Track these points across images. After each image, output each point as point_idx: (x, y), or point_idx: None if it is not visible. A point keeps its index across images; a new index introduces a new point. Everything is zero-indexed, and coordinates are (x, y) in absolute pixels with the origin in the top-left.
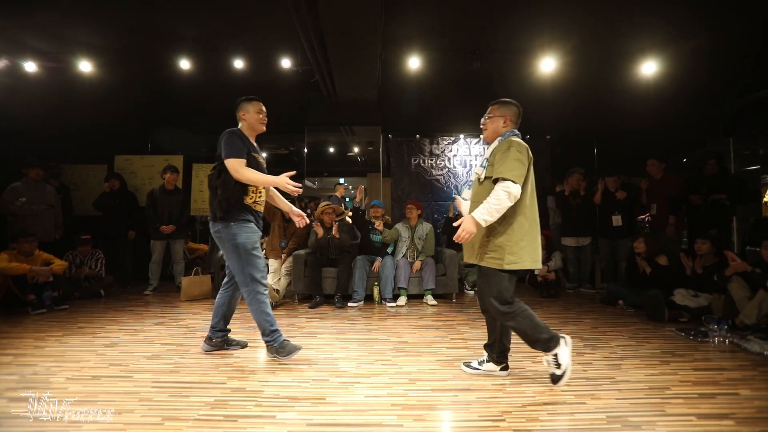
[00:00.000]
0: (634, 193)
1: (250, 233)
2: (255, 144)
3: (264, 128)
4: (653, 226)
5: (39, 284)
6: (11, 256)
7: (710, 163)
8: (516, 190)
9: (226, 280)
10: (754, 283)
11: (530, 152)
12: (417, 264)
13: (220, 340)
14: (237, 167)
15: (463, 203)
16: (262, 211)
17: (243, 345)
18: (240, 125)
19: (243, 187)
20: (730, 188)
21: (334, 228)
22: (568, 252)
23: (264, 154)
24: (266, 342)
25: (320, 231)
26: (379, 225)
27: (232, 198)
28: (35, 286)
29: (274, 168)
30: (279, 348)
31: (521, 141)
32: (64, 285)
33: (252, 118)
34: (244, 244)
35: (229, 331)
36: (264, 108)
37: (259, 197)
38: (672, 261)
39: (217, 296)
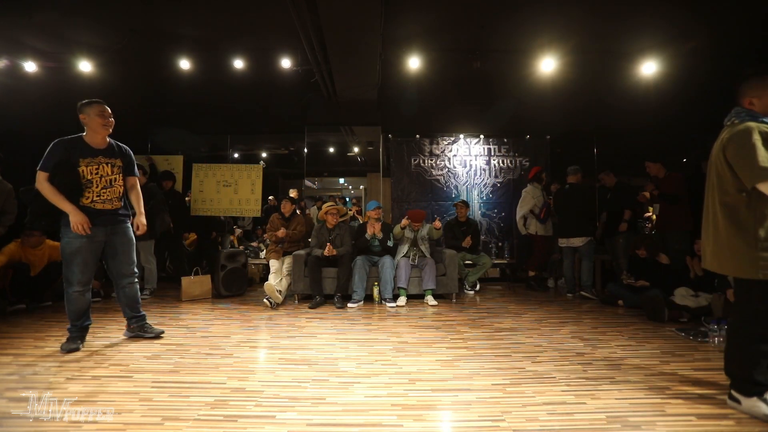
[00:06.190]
0: (632, 194)
1: (71, 237)
2: (100, 148)
3: (106, 131)
4: (658, 226)
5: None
6: (17, 248)
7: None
8: None
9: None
10: None
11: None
12: (437, 223)
13: (135, 326)
14: (39, 179)
15: None
16: (112, 208)
17: (158, 333)
18: (85, 131)
19: (76, 190)
20: None
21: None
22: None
23: (108, 159)
24: (68, 329)
25: (334, 251)
26: (378, 231)
27: (44, 209)
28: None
29: (275, 168)
30: (67, 340)
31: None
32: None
33: (94, 122)
34: (63, 248)
35: (144, 316)
36: (108, 110)
37: (103, 195)
38: (675, 261)
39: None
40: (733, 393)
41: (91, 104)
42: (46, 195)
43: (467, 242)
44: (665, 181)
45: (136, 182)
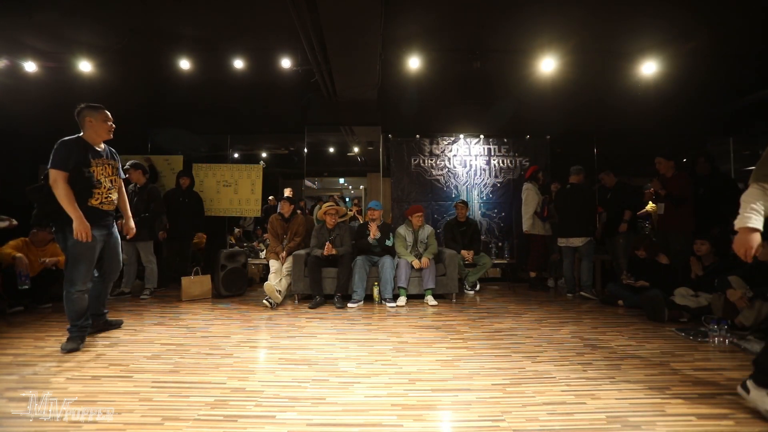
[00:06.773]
0: (631, 194)
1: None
2: (101, 150)
3: (109, 136)
4: (660, 226)
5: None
6: (22, 244)
7: (700, 161)
8: None
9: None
10: (753, 283)
11: None
12: (425, 261)
13: (103, 322)
14: (55, 178)
15: None
16: (113, 209)
17: (118, 325)
18: (84, 132)
19: (88, 190)
20: (724, 187)
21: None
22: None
23: (108, 160)
24: (68, 329)
25: (333, 250)
26: (374, 232)
27: (53, 208)
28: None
29: (275, 168)
30: (67, 340)
31: None
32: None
33: (100, 126)
34: (71, 248)
35: (107, 313)
36: (110, 116)
37: (109, 196)
38: (677, 261)
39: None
40: (747, 382)
41: (98, 109)
42: (61, 195)
43: (468, 255)
44: (672, 180)
45: (122, 184)
